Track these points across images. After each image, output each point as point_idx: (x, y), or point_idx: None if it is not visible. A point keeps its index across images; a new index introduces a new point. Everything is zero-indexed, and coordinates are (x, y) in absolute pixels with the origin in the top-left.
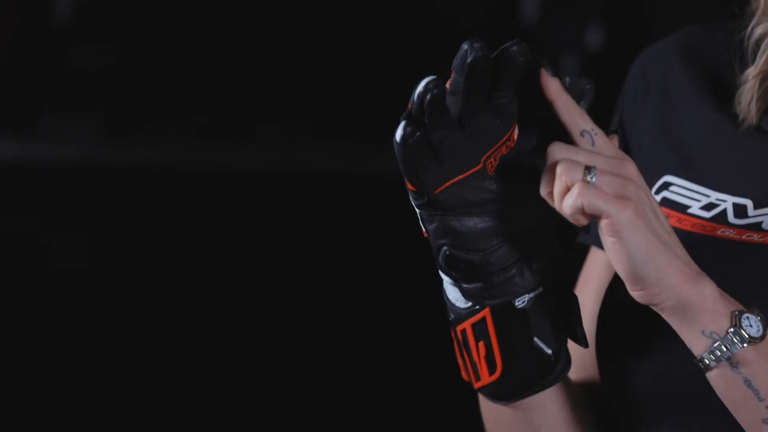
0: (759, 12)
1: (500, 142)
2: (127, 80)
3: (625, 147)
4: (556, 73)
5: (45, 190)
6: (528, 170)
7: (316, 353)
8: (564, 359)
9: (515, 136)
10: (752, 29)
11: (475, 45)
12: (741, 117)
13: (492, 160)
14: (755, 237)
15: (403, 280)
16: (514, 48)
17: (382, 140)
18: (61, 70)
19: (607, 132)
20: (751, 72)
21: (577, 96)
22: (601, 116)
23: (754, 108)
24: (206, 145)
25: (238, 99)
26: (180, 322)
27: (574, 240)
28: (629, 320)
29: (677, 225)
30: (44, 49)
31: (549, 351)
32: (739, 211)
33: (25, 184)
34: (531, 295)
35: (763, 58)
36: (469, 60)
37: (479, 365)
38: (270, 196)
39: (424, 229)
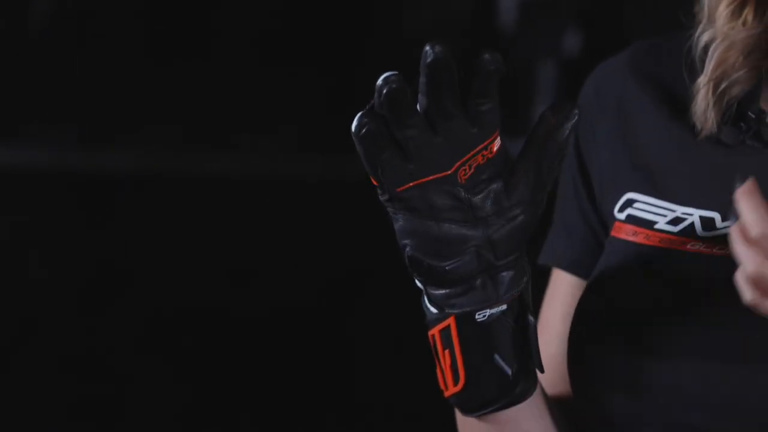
0: (704, 20)
1: (475, 150)
2: (110, 86)
3: (581, 166)
4: (500, 68)
5: (25, 197)
6: (505, 183)
7: (303, 359)
8: (525, 382)
9: (495, 147)
10: (698, 37)
11: (436, 48)
12: (699, 126)
13: (466, 167)
14: (726, 250)
15: (388, 285)
16: (486, 57)
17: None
18: (42, 76)
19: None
20: (702, 80)
21: (560, 119)
22: None
23: (711, 115)
24: (190, 151)
25: (222, 105)
26: (162, 330)
27: (535, 262)
28: (600, 351)
29: (644, 241)
30: (24, 56)
31: (509, 371)
32: (707, 224)
33: (5, 191)
34: (493, 310)
35: (712, 64)
36: (428, 61)
37: (446, 373)
38: (255, 203)
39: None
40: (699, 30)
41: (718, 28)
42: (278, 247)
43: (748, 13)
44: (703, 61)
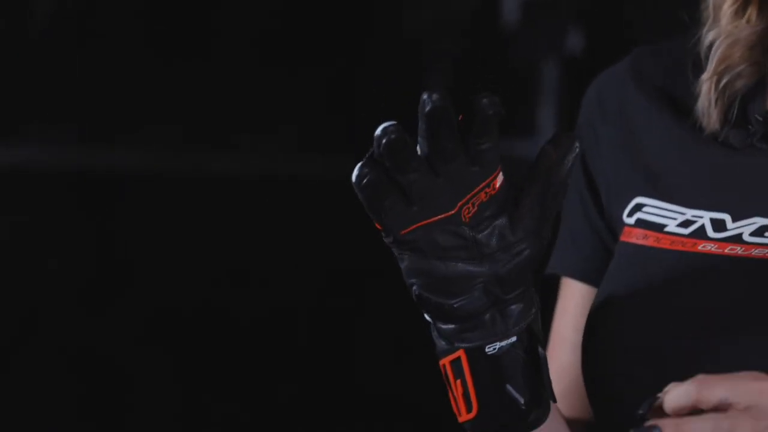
0: (710, 20)
1: (477, 189)
2: (110, 86)
3: (587, 174)
4: (499, 111)
5: (25, 196)
6: (509, 218)
7: (305, 359)
8: (537, 410)
9: (497, 184)
10: (703, 36)
11: (433, 97)
12: (703, 124)
13: (469, 206)
14: (738, 250)
15: (389, 285)
16: (484, 101)
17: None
18: (42, 75)
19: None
20: (705, 76)
21: (561, 153)
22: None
23: (714, 112)
24: (190, 151)
25: (222, 105)
26: (162, 329)
27: (542, 273)
28: (620, 354)
29: (655, 244)
30: (24, 55)
31: (522, 400)
32: (718, 225)
33: (6, 190)
34: (503, 343)
35: (715, 60)
36: (426, 110)
37: (458, 401)
38: (255, 203)
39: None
40: (706, 28)
41: (723, 26)
42: (279, 247)
43: (752, 11)
44: (707, 59)
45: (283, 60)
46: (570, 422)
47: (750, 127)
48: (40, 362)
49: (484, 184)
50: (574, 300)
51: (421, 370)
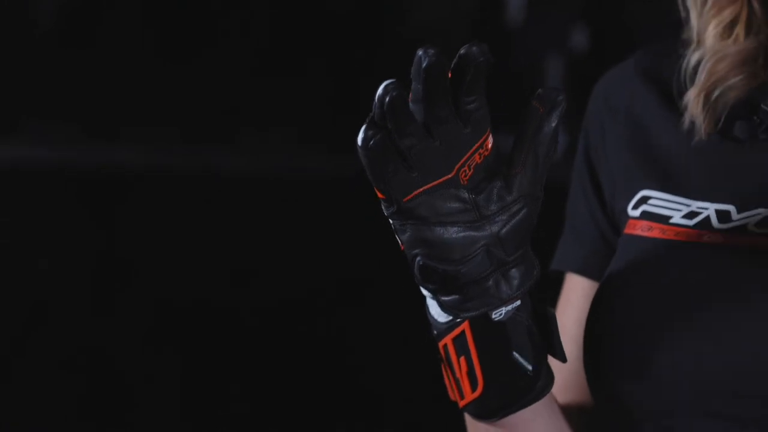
0: (693, 43)
1: (471, 151)
2: (113, 84)
3: (591, 172)
4: (489, 59)
5: (26, 193)
6: (504, 178)
7: (309, 357)
8: (545, 377)
9: (489, 144)
10: (689, 58)
11: (429, 51)
12: (695, 132)
13: (465, 168)
14: (743, 240)
15: (391, 285)
16: (474, 49)
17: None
18: (43, 73)
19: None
20: (693, 92)
21: (548, 108)
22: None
23: (701, 126)
24: (192, 150)
25: (221, 103)
26: (164, 327)
27: (547, 269)
28: (624, 343)
29: (660, 236)
30: (25, 53)
31: (529, 367)
32: (723, 216)
33: (6, 187)
34: (508, 308)
35: (703, 76)
36: (423, 65)
37: (462, 382)
38: (257, 201)
39: (399, 241)
40: (690, 50)
41: (708, 47)
42: (280, 246)
43: (740, 31)
44: (692, 79)
45: (285, 60)
46: (566, 409)
47: (755, 118)
48: (42, 362)
49: (477, 145)
50: (575, 294)
51: (425, 367)
